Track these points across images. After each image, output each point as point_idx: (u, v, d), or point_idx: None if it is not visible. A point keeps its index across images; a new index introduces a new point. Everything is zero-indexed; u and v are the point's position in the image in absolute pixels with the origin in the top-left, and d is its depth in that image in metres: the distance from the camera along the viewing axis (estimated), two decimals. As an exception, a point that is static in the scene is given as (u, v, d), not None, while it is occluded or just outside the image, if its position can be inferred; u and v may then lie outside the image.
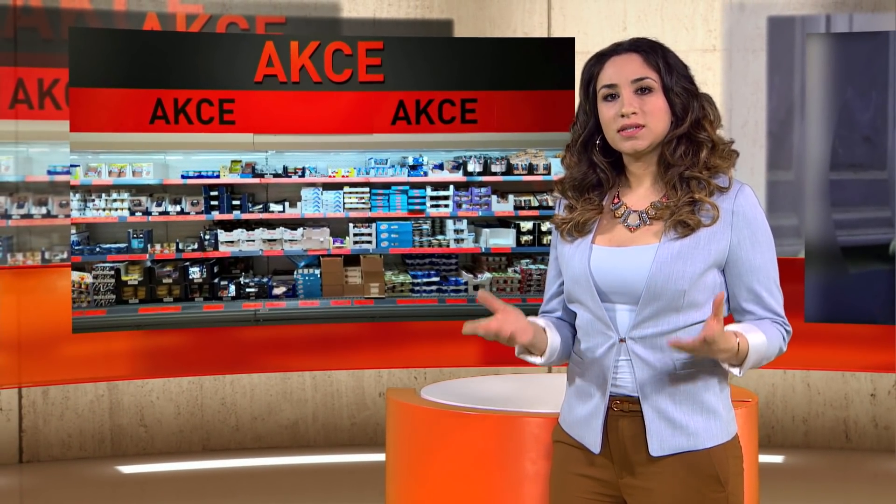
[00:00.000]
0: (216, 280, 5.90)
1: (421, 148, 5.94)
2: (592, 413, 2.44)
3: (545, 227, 6.03)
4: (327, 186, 5.93)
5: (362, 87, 5.76)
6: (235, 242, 5.86)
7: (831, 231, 5.77)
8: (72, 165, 5.63)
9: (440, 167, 5.98)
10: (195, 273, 5.85)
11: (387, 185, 5.95)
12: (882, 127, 5.71)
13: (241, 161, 5.85)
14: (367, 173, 5.93)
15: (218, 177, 5.84)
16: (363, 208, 5.91)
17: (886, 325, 5.69)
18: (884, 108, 5.70)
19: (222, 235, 5.84)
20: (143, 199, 5.80)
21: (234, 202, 5.87)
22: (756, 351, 2.35)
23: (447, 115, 5.83)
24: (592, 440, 2.44)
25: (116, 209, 5.74)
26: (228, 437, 6.67)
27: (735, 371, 2.36)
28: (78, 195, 5.68)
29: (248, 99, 5.68)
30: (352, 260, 5.97)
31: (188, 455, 6.55)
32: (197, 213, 5.85)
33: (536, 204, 6.01)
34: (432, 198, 5.96)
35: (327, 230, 5.95)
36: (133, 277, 5.78)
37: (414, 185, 5.96)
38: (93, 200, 5.72)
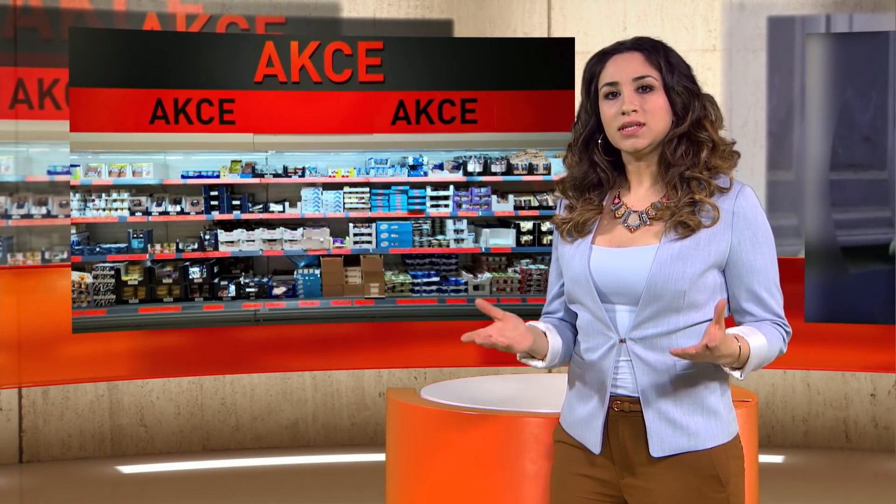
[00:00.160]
0: (216, 280, 5.90)
1: (421, 148, 5.94)
2: (593, 413, 2.44)
3: (545, 227, 6.03)
4: (327, 186, 5.93)
5: (362, 87, 5.75)
6: (235, 242, 5.86)
7: (831, 231, 5.77)
8: (72, 165, 5.63)
9: (440, 167, 5.98)
10: (195, 273, 5.85)
11: (387, 185, 5.95)
12: (882, 127, 5.71)
13: (241, 161, 5.85)
14: (367, 173, 5.93)
15: (218, 177, 5.84)
16: (363, 208, 5.91)
17: (886, 325, 5.69)
18: (884, 108, 5.69)
19: (222, 235, 5.84)
20: (143, 199, 5.80)
21: (234, 202, 5.87)
22: (757, 354, 2.35)
23: (447, 115, 5.83)
24: (593, 440, 2.44)
25: (116, 209, 5.74)
26: (228, 437, 6.67)
27: (736, 374, 2.37)
28: (78, 195, 5.68)
29: (248, 99, 5.68)
30: (352, 260, 5.97)
31: (188, 455, 6.55)
32: (197, 213, 5.84)
33: (536, 204, 6.01)
34: (432, 198, 5.96)
35: (327, 230, 5.94)
36: (133, 277, 5.78)
37: (414, 185, 5.95)
38: (93, 200, 5.72)
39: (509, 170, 5.99)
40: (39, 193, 6.21)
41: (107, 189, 5.74)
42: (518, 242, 6.04)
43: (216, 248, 5.84)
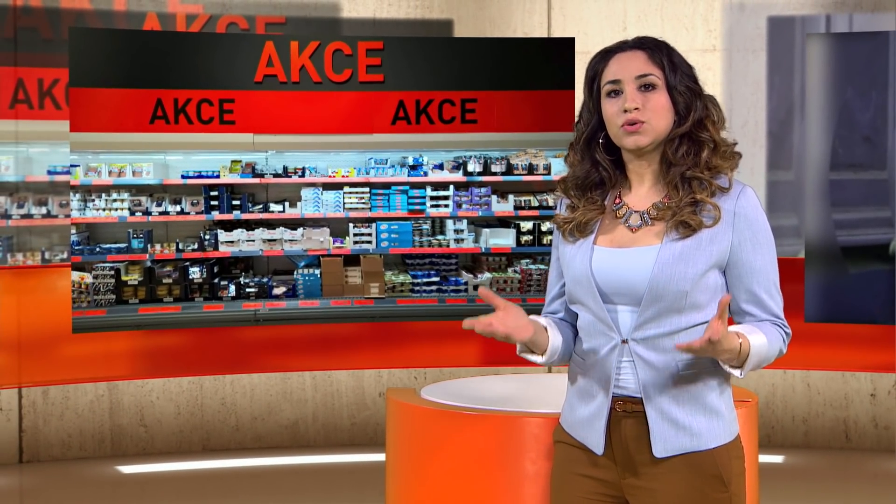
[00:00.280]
0: (216, 280, 5.90)
1: (421, 148, 5.94)
2: (595, 414, 2.44)
3: (545, 227, 6.03)
4: (327, 186, 5.93)
5: (362, 87, 5.76)
6: (235, 242, 5.86)
7: (831, 231, 5.77)
8: (72, 165, 5.63)
9: (440, 167, 5.98)
10: (195, 273, 5.85)
11: (387, 185, 5.95)
12: (882, 127, 5.71)
13: (241, 161, 5.85)
14: (367, 173, 5.93)
15: (218, 177, 5.84)
16: (363, 208, 5.91)
17: (886, 325, 5.69)
18: (884, 108, 5.69)
19: (222, 235, 5.84)
20: (143, 199, 5.80)
21: (234, 202, 5.87)
22: (757, 352, 2.36)
23: (447, 115, 5.83)
24: (595, 441, 2.44)
25: (116, 209, 5.74)
26: (228, 437, 6.67)
27: (736, 373, 2.37)
28: (78, 195, 5.68)
29: (248, 99, 5.68)
30: (352, 260, 5.97)
31: (188, 455, 6.55)
32: (197, 213, 5.85)
33: (536, 204, 6.01)
34: (432, 198, 5.96)
35: (327, 230, 5.94)
36: (133, 277, 5.78)
37: (414, 185, 5.96)
38: (93, 200, 5.72)
39: (509, 170, 5.99)
40: (39, 193, 6.21)
41: (107, 189, 5.74)
42: (518, 242, 6.04)
43: (216, 248, 5.84)
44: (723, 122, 2.46)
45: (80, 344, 5.65)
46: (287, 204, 5.92)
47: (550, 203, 5.96)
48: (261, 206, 5.91)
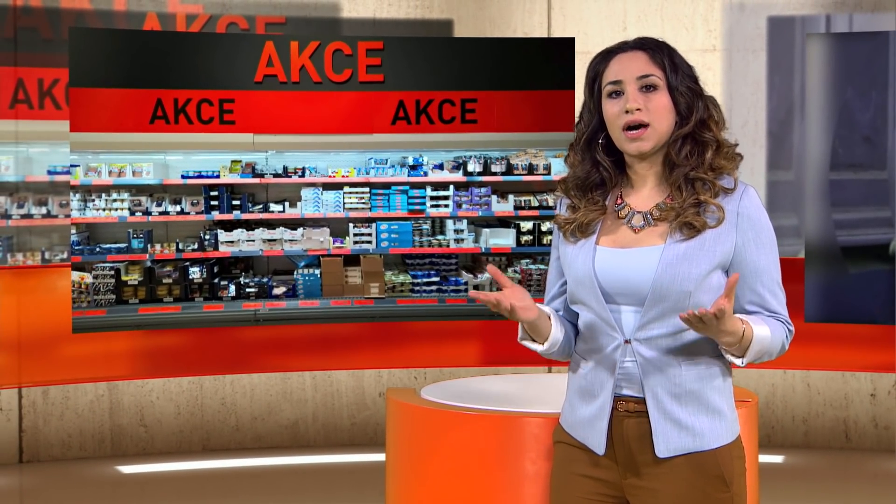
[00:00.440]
0: (216, 280, 5.90)
1: (421, 148, 5.94)
2: (597, 414, 2.44)
3: (545, 227, 6.03)
4: (327, 186, 5.93)
5: (362, 87, 5.75)
6: (235, 242, 5.86)
7: (831, 231, 5.77)
8: (72, 165, 5.63)
9: (440, 167, 5.98)
10: (195, 273, 5.85)
11: (387, 185, 5.95)
12: (882, 127, 5.71)
13: (241, 161, 5.85)
14: (367, 173, 5.93)
15: (218, 177, 5.84)
16: (363, 208, 5.91)
17: (886, 325, 5.69)
18: (884, 108, 5.69)
19: (222, 235, 5.84)
20: (143, 199, 5.80)
21: (234, 202, 5.87)
22: (760, 342, 2.35)
23: (447, 115, 5.83)
24: (597, 441, 2.44)
25: (116, 209, 5.74)
26: (228, 437, 6.67)
27: (738, 361, 2.36)
28: (78, 195, 5.68)
29: (248, 99, 5.68)
30: (352, 260, 5.97)
31: (188, 455, 6.55)
32: (197, 213, 5.84)
33: (536, 204, 6.01)
34: (432, 198, 5.96)
35: (327, 230, 5.94)
36: (133, 277, 5.78)
37: (414, 185, 5.95)
38: (93, 200, 5.72)
39: (509, 170, 5.99)
40: (39, 193, 6.21)
41: (107, 189, 5.74)
42: (518, 242, 6.04)
43: (216, 248, 5.84)
44: (724, 122, 2.46)
45: (80, 344, 5.65)
46: (287, 204, 5.92)
47: (550, 203, 5.96)
48: (261, 206, 5.91)
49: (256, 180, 5.87)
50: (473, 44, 6.15)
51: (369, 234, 5.93)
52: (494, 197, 6.01)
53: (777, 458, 6.45)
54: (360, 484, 5.88)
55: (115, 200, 5.75)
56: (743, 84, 6.65)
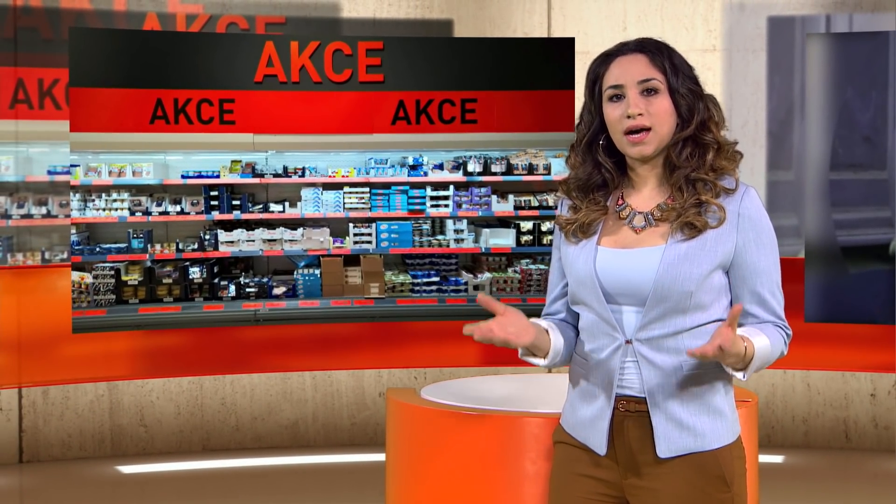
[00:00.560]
0: (216, 280, 5.90)
1: (421, 148, 5.94)
2: (598, 415, 2.44)
3: (545, 227, 6.03)
4: (327, 186, 5.93)
5: (362, 87, 5.75)
6: (235, 242, 5.86)
7: (831, 231, 5.77)
8: (72, 165, 5.63)
9: (440, 167, 5.98)
10: (195, 273, 5.85)
11: (387, 185, 5.95)
12: (882, 127, 5.71)
13: (241, 161, 5.85)
14: (367, 173, 5.93)
15: (218, 177, 5.84)
16: (363, 208, 5.91)
17: (886, 325, 5.69)
18: (884, 108, 5.69)
19: (222, 235, 5.84)
20: (143, 199, 5.80)
21: (234, 202, 5.87)
22: (761, 356, 2.36)
23: (447, 115, 5.83)
24: (598, 441, 2.44)
25: (116, 209, 5.74)
26: (228, 437, 6.67)
27: (739, 375, 2.37)
28: (78, 195, 5.68)
29: (248, 99, 5.68)
30: (352, 260, 5.97)
31: (188, 455, 6.55)
32: (197, 213, 5.85)
33: (536, 204, 6.01)
34: (432, 198, 5.96)
35: (327, 230, 5.94)
36: (133, 277, 5.78)
37: (414, 185, 5.96)
38: (93, 200, 5.72)
39: (509, 170, 5.99)
40: (39, 193, 6.21)
41: (107, 189, 5.74)
42: (518, 242, 6.04)
43: (216, 248, 5.84)
44: (723, 122, 2.46)
45: (80, 344, 5.65)
46: (287, 204, 5.92)
47: (550, 203, 5.96)
48: (261, 206, 5.91)
49: (256, 180, 5.87)
50: (473, 44, 6.15)
51: (369, 234, 5.93)
52: (494, 197, 6.01)
53: (777, 458, 6.45)
54: (360, 484, 5.88)
55: (115, 200, 5.75)
56: (743, 84, 6.65)
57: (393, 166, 5.94)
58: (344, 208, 5.90)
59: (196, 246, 5.86)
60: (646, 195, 2.47)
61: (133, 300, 5.78)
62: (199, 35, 6.28)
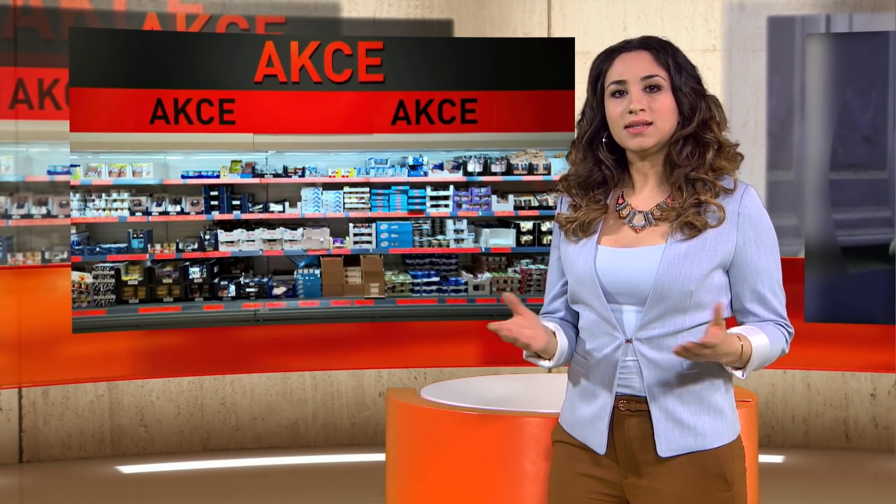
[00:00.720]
0: (216, 280, 5.90)
1: (421, 148, 5.94)
2: (598, 414, 2.44)
3: (545, 227, 6.03)
4: (327, 186, 5.93)
5: (362, 87, 5.75)
6: (235, 242, 5.86)
7: (831, 231, 5.77)
8: (72, 165, 5.63)
9: (440, 167, 5.98)
10: (195, 273, 5.85)
11: (387, 185, 5.95)
12: (882, 127, 5.71)
13: (241, 161, 5.85)
14: (367, 173, 5.93)
15: (218, 177, 5.84)
16: (363, 208, 5.91)
17: (886, 325, 5.69)
18: (884, 108, 5.69)
19: (222, 235, 5.84)
20: (143, 199, 5.80)
21: (234, 202, 5.87)
22: (759, 354, 2.36)
23: (447, 115, 5.83)
24: (598, 441, 2.44)
25: (116, 209, 5.74)
26: (228, 437, 6.67)
27: (738, 374, 2.37)
28: (78, 195, 5.68)
29: (248, 99, 5.68)
30: (352, 260, 5.97)
31: (188, 455, 6.55)
32: (197, 213, 5.84)
33: (536, 204, 6.01)
34: (432, 198, 5.96)
35: (327, 230, 5.94)
36: (133, 277, 5.78)
37: (414, 185, 5.96)
38: (93, 200, 5.72)
39: (509, 170, 5.99)
40: (39, 193, 6.21)
41: (107, 189, 5.74)
42: (518, 242, 6.04)
43: (216, 248, 5.84)
44: (725, 122, 2.46)
45: (80, 344, 5.65)
46: (287, 204, 5.92)
47: (550, 203, 5.96)
48: (261, 206, 5.91)
49: (256, 180, 5.87)
50: (473, 44, 6.15)
51: (369, 234, 5.93)
52: (494, 197, 6.01)
53: (777, 458, 6.45)
54: (360, 484, 5.88)
55: (115, 200, 5.75)
56: (743, 84, 6.65)
57: (393, 166, 5.94)
58: (344, 208, 5.90)
59: (196, 246, 5.86)
60: (646, 194, 2.47)
61: (133, 300, 5.78)
62: (199, 35, 6.28)
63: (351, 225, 5.94)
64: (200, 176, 5.84)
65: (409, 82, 5.79)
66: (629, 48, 2.44)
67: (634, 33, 6.35)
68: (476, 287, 5.95)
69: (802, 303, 5.70)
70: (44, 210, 6.19)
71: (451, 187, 5.98)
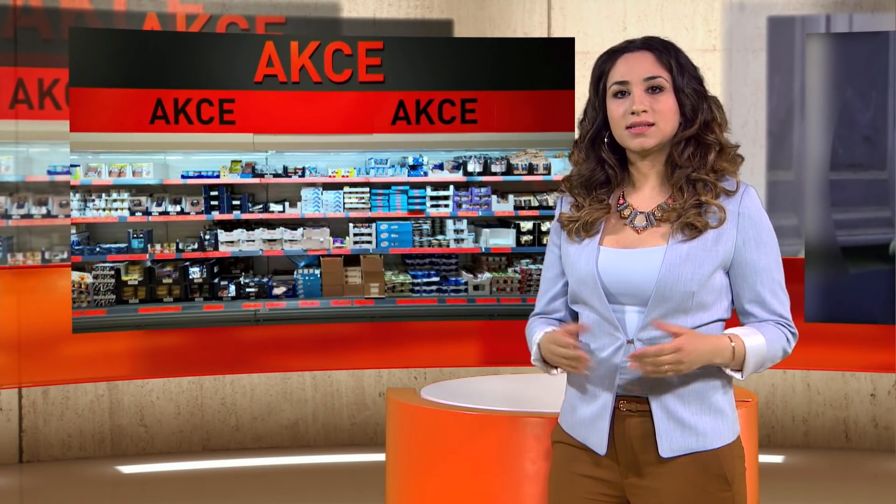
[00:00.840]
0: (216, 280, 5.90)
1: (421, 148, 5.94)
2: (598, 414, 2.44)
3: (545, 227, 6.03)
4: (327, 186, 5.92)
5: (362, 87, 5.75)
6: (235, 242, 5.86)
7: (831, 231, 5.77)
8: (72, 165, 5.63)
9: (440, 167, 5.98)
10: (195, 273, 5.85)
11: (387, 185, 5.95)
12: (882, 127, 5.71)
13: (241, 161, 5.85)
14: (367, 173, 5.93)
15: (218, 177, 5.84)
16: (363, 208, 5.91)
17: (886, 325, 5.69)
18: (884, 108, 5.69)
19: (222, 235, 5.84)
20: (143, 199, 5.80)
21: (234, 202, 5.87)
22: (755, 354, 2.36)
23: (447, 115, 5.83)
24: (598, 441, 2.44)
25: (116, 209, 5.74)
26: (228, 437, 6.67)
27: (737, 375, 2.37)
28: (78, 195, 5.68)
29: (248, 99, 5.68)
30: (352, 260, 5.97)
31: (188, 455, 6.55)
32: (197, 213, 5.84)
33: (536, 204, 6.01)
34: (432, 198, 5.96)
35: (327, 230, 5.94)
36: (133, 277, 5.78)
37: (414, 185, 5.95)
38: (93, 200, 5.72)
39: (509, 170, 5.99)
40: (39, 193, 6.21)
41: (107, 189, 5.74)
42: (518, 242, 6.04)
43: (216, 248, 5.84)
44: (726, 123, 2.46)
45: (80, 344, 5.65)
46: (287, 204, 5.92)
47: (550, 203, 5.96)
48: (261, 206, 5.91)
49: (256, 180, 5.87)
50: (473, 44, 6.15)
51: (369, 234, 5.93)
52: (494, 197, 6.01)
53: (777, 458, 6.44)
54: (360, 484, 5.88)
55: (115, 200, 5.75)
56: (743, 84, 6.65)
57: (393, 166, 5.94)
58: (344, 208, 5.90)
59: (196, 246, 5.85)
60: (647, 194, 2.47)
61: (133, 300, 5.78)
62: (199, 35, 6.28)
63: (351, 225, 5.94)
64: (200, 176, 5.84)
65: (409, 82, 5.79)
66: (632, 49, 2.44)
67: (634, 33, 6.35)
68: (476, 287, 5.95)
69: (802, 303, 5.70)
70: (44, 210, 6.19)
71: (451, 187, 5.98)
